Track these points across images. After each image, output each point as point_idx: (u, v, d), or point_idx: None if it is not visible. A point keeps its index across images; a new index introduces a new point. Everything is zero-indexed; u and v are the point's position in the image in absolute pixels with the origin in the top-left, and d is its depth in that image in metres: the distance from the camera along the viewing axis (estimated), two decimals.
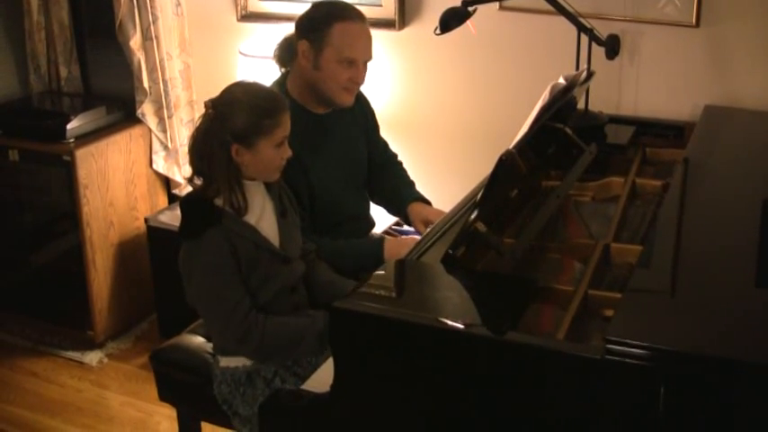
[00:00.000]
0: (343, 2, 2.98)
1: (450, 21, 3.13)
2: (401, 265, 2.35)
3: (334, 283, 2.78)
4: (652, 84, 3.50)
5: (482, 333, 2.03)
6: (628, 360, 1.86)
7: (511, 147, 2.33)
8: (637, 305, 2.07)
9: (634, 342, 1.86)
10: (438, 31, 3.11)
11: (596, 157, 2.95)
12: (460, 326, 2.02)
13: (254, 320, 2.50)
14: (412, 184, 3.33)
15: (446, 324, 2.04)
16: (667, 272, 2.26)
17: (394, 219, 3.53)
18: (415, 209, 3.20)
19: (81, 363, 4.02)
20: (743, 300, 2.10)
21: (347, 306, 2.14)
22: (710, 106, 3.35)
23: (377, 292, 2.20)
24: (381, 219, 3.50)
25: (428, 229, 2.62)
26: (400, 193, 3.27)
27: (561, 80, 2.68)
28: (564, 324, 2.10)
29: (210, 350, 2.77)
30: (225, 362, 2.64)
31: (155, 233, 4.01)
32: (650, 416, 1.89)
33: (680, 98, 3.44)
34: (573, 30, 3.20)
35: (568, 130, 2.88)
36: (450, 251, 2.28)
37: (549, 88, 2.59)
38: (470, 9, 3.14)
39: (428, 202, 3.24)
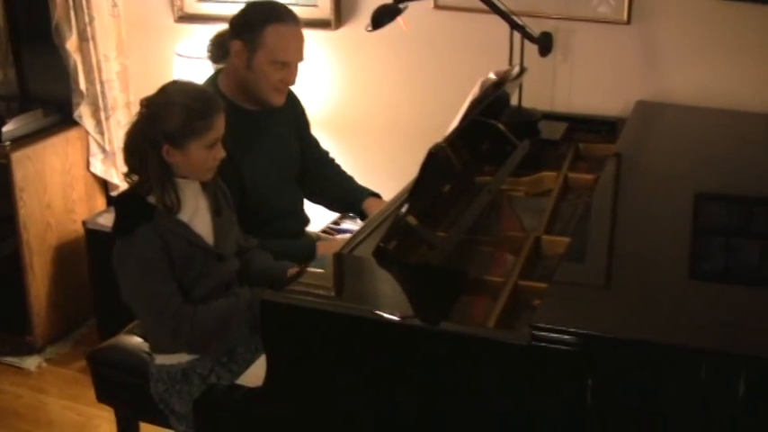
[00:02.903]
0: (277, 3, 2.99)
1: (382, 17, 3.14)
2: (333, 258, 2.37)
3: (273, 268, 2.79)
4: (585, 80, 3.54)
5: (412, 324, 2.05)
6: (554, 346, 1.88)
7: (441, 141, 2.35)
8: (563, 293, 2.09)
9: (560, 328, 1.88)
10: (370, 28, 3.12)
11: (530, 152, 2.98)
12: (390, 317, 2.04)
13: (184, 313, 2.49)
14: (353, 179, 3.36)
15: (377, 315, 2.05)
16: (596, 262, 2.29)
17: (331, 217, 3.55)
18: (372, 204, 3.22)
19: (20, 368, 3.98)
20: (673, 290, 2.13)
21: (278, 299, 2.15)
22: (642, 102, 3.40)
23: (308, 285, 2.22)
24: (319, 218, 3.51)
25: (362, 224, 2.64)
26: (351, 190, 3.31)
27: (492, 75, 2.71)
28: (494, 314, 2.12)
29: (147, 349, 2.76)
30: (160, 360, 2.63)
31: (93, 236, 3.98)
32: (579, 402, 1.92)
33: (612, 94, 3.50)
34: (507, 28, 3.24)
35: (502, 127, 2.91)
36: (382, 244, 2.29)
37: (479, 83, 2.61)
38: (401, 6, 3.16)
39: (380, 197, 3.27)
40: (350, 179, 3.36)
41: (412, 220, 2.30)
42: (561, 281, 2.15)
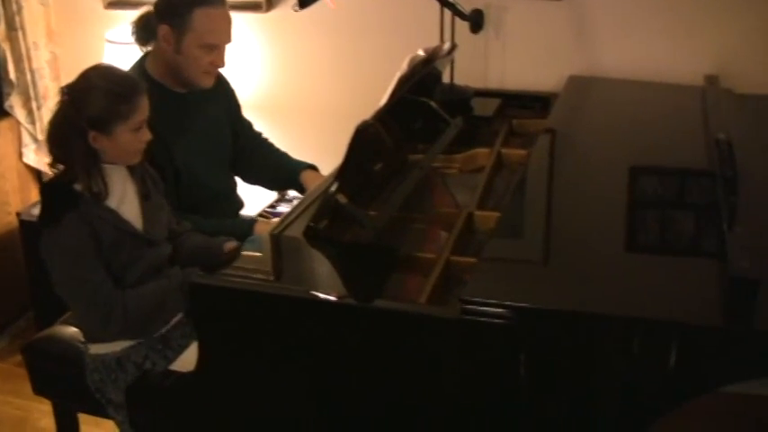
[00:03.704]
0: None
1: None
2: (263, 239, 2.35)
3: (208, 243, 2.76)
4: (517, 57, 3.55)
5: (343, 303, 2.04)
6: (485, 320, 1.88)
7: (369, 118, 2.34)
8: (493, 267, 2.10)
9: (489, 301, 1.89)
10: (296, 8, 3.10)
11: (463, 129, 2.98)
12: (322, 296, 2.03)
13: (114, 300, 2.47)
14: (288, 155, 3.35)
15: (308, 295, 2.04)
16: (527, 236, 2.30)
17: (267, 201, 3.53)
18: (309, 176, 3.21)
19: None
20: (606, 262, 2.14)
21: (207, 281, 2.13)
22: (574, 76, 3.41)
23: (238, 268, 2.20)
24: (255, 200, 3.49)
25: (294, 204, 2.63)
26: (287, 165, 3.30)
27: (420, 52, 2.70)
28: (426, 290, 2.12)
29: (82, 339, 2.73)
30: (95, 349, 2.60)
31: (28, 228, 3.91)
32: (513, 375, 1.92)
33: (545, 70, 3.50)
34: (438, 6, 3.23)
35: (434, 104, 2.91)
36: (313, 224, 2.28)
37: (407, 60, 2.61)
38: None
39: (316, 168, 3.26)
40: (284, 155, 3.34)
41: (342, 198, 2.29)
42: (491, 255, 2.15)
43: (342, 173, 2.30)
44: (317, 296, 2.04)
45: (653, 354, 1.90)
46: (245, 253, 2.35)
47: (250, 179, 3.34)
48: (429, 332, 1.98)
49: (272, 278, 2.23)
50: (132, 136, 2.50)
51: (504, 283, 2.03)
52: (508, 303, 1.88)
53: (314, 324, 2.06)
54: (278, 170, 3.31)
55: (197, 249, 2.75)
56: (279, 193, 3.57)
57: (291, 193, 3.50)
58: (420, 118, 2.95)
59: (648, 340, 1.89)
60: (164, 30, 2.87)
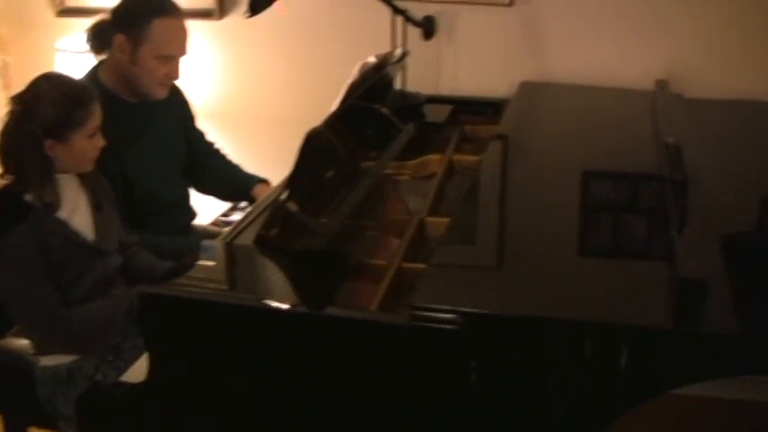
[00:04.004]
0: None
1: (259, 3, 3.11)
2: (214, 248, 2.34)
3: (154, 267, 2.74)
4: (469, 63, 3.57)
5: (293, 311, 2.03)
6: (434, 325, 1.88)
7: (319, 125, 2.33)
8: (443, 273, 2.10)
9: (439, 307, 1.88)
10: (247, 15, 3.10)
11: (415, 136, 2.98)
12: (272, 304, 2.02)
13: (58, 315, 2.45)
14: (241, 168, 3.34)
15: (258, 304, 2.03)
16: (478, 241, 2.30)
17: (221, 210, 3.51)
18: (261, 190, 3.21)
19: None
20: (558, 267, 2.14)
21: (157, 291, 2.12)
22: (526, 82, 3.43)
23: (190, 278, 2.19)
24: (209, 210, 3.48)
25: (245, 213, 2.62)
26: (239, 178, 3.30)
27: (371, 59, 2.71)
28: (377, 297, 2.11)
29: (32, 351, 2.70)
30: (44, 361, 2.57)
31: None
32: (464, 382, 1.92)
33: (497, 76, 3.53)
34: (390, 13, 3.24)
35: (385, 111, 2.91)
36: (263, 232, 2.27)
37: (357, 67, 2.61)
38: None
39: (268, 183, 3.25)
40: (237, 168, 3.34)
41: (292, 206, 2.28)
42: (440, 260, 2.16)
43: (292, 180, 2.29)
44: (269, 305, 2.03)
45: (604, 357, 1.90)
46: (202, 263, 2.33)
47: (203, 189, 3.33)
48: (380, 339, 1.98)
49: (223, 287, 2.22)
50: (88, 142, 2.49)
51: (455, 288, 2.03)
52: (458, 309, 1.88)
53: (265, 333, 2.05)
54: (230, 182, 3.31)
55: (143, 273, 2.74)
56: (233, 204, 3.56)
57: (245, 203, 3.49)
58: (371, 125, 2.95)
59: (599, 344, 1.90)
60: (120, 39, 2.85)
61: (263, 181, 3.27)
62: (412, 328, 1.89)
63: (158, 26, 2.83)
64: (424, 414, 1.99)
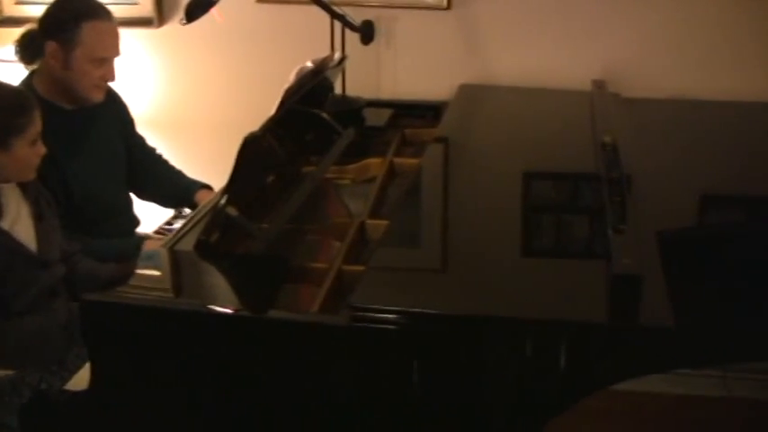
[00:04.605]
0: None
1: (195, 10, 3.11)
2: (155, 254, 2.34)
3: (97, 272, 2.73)
4: (409, 67, 3.59)
5: (234, 315, 2.04)
6: (374, 326, 1.90)
7: (257, 130, 2.34)
8: (382, 273, 2.11)
9: (378, 307, 1.90)
10: (184, 21, 3.09)
11: (355, 140, 3.00)
12: (213, 309, 2.03)
13: None
14: (183, 173, 3.33)
15: (200, 308, 2.04)
16: (416, 242, 2.32)
17: (164, 217, 3.50)
18: (203, 195, 3.20)
19: None
20: (498, 266, 2.17)
21: (97, 298, 2.11)
22: (465, 85, 3.45)
23: (133, 284, 2.18)
24: (153, 218, 3.46)
25: (186, 218, 2.62)
26: (181, 183, 3.28)
27: (308, 64, 2.72)
28: (318, 300, 2.12)
29: None
30: None
31: None
32: (405, 380, 1.93)
33: (437, 79, 3.55)
34: (328, 17, 3.25)
35: (325, 115, 2.92)
36: (203, 237, 2.27)
37: (294, 72, 2.62)
38: None
39: (211, 188, 3.24)
40: (179, 174, 3.33)
41: (232, 210, 2.28)
42: (379, 261, 2.17)
43: (231, 185, 2.29)
44: (211, 309, 2.03)
45: (543, 354, 1.93)
46: (138, 272, 2.33)
47: (145, 196, 3.31)
48: (322, 340, 1.99)
49: (163, 293, 2.21)
50: (30, 150, 2.47)
51: (394, 288, 2.05)
52: (397, 309, 1.90)
53: (206, 337, 2.05)
54: (173, 187, 3.29)
55: (87, 280, 2.72)
56: (176, 210, 3.55)
57: (188, 210, 3.48)
58: (312, 129, 2.96)
59: (538, 341, 1.92)
60: (51, 46, 2.83)
61: (206, 186, 3.26)
62: (352, 329, 1.91)
63: (88, 29, 2.82)
64: (367, 413, 2.00)
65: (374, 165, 2.94)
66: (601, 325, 1.92)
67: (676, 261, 2.20)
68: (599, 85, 3.36)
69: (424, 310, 1.92)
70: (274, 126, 2.49)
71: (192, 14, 3.08)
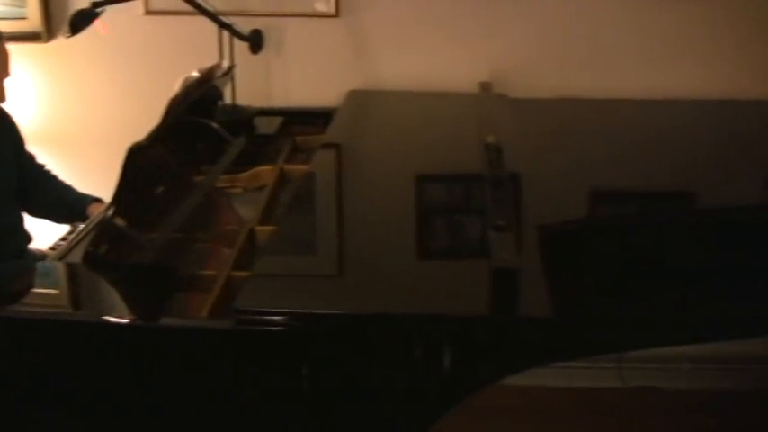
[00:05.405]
0: None
1: (79, 22, 3.11)
2: (45, 267, 2.33)
3: None
4: (299, 74, 3.63)
5: (122, 323, 2.04)
6: (259, 328, 1.92)
7: (142, 140, 2.35)
8: (267, 277, 2.14)
9: (264, 309, 1.92)
10: (68, 34, 3.08)
11: (246, 148, 3.02)
12: (100, 319, 2.02)
13: None
14: (73, 188, 3.31)
15: (84, 319, 2.04)
16: (302, 245, 2.35)
17: (60, 234, 3.47)
18: (95, 209, 3.17)
19: None
20: (383, 266, 2.20)
21: None
22: (354, 90, 3.50)
23: (22, 299, 2.18)
24: (47, 235, 3.43)
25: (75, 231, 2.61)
26: (73, 200, 3.24)
27: (195, 73, 2.73)
28: (207, 306, 2.14)
29: None
30: None
31: None
32: (293, 381, 1.96)
33: (327, 86, 3.59)
34: (216, 27, 3.27)
35: (214, 125, 2.93)
36: (91, 249, 2.27)
37: (180, 81, 2.63)
38: (98, 10, 3.13)
39: (102, 201, 3.23)
40: (70, 189, 3.30)
41: (119, 221, 2.29)
42: (264, 265, 2.20)
43: (118, 196, 2.30)
44: (107, 320, 2.03)
45: (428, 351, 1.96)
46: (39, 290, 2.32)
47: (36, 213, 3.28)
48: (212, 345, 2.00)
49: (54, 306, 2.20)
50: None
51: (278, 290, 2.07)
52: (281, 310, 1.92)
53: (96, 348, 2.05)
54: (64, 203, 3.26)
55: None
56: (71, 226, 3.52)
57: (82, 225, 3.45)
58: (201, 139, 2.97)
59: (423, 337, 1.96)
60: None
61: (97, 200, 3.24)
62: (238, 332, 1.93)
63: None
64: (263, 415, 2.02)
65: (265, 172, 2.97)
66: (480, 317, 1.97)
67: (559, 254, 2.26)
68: (485, 87, 3.43)
69: (308, 311, 1.94)
70: (162, 136, 2.50)
71: (75, 27, 3.08)
